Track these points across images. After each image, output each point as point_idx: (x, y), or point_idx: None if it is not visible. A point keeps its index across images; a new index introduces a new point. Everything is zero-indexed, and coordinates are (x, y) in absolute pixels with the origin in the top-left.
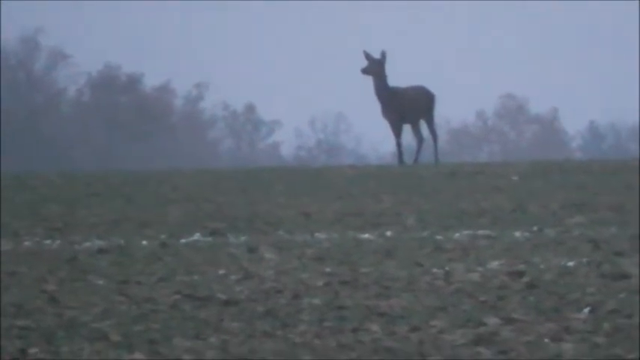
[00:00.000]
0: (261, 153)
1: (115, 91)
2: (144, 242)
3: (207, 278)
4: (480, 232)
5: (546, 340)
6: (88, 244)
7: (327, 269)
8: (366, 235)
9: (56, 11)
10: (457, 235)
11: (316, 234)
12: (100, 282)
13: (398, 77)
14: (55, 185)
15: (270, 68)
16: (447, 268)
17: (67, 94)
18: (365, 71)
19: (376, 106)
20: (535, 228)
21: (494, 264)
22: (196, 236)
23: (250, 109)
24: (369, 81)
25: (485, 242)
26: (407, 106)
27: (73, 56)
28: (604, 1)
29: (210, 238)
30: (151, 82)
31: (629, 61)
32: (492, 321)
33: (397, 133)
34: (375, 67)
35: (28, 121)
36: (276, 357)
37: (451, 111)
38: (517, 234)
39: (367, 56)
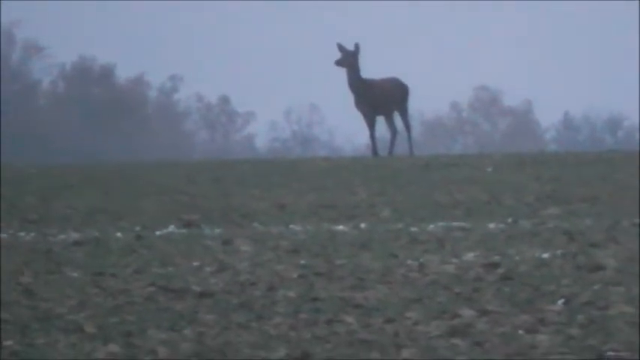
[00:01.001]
0: (235, 145)
1: (89, 83)
2: (119, 234)
3: (182, 270)
4: (455, 223)
5: (521, 331)
6: (63, 236)
7: (302, 261)
8: (341, 227)
9: (30, 3)
10: (432, 226)
11: (291, 226)
12: (75, 274)
13: (371, 69)
14: (30, 177)
15: (244, 60)
16: (421, 260)
17: (42, 86)
18: (339, 63)
19: (350, 98)
20: (510, 220)
21: (469, 256)
22: (171, 228)
23: (225, 100)
24: (342, 73)
25: (459, 234)
26: (380, 98)
27: (47, 48)
28: None
29: (184, 230)
30: (125, 73)
31: (604, 53)
32: (467, 313)
33: (371, 124)
34: (349, 59)
35: (5, 113)
36: (251, 349)
37: (425, 103)
38: (492, 226)
39: (341, 48)
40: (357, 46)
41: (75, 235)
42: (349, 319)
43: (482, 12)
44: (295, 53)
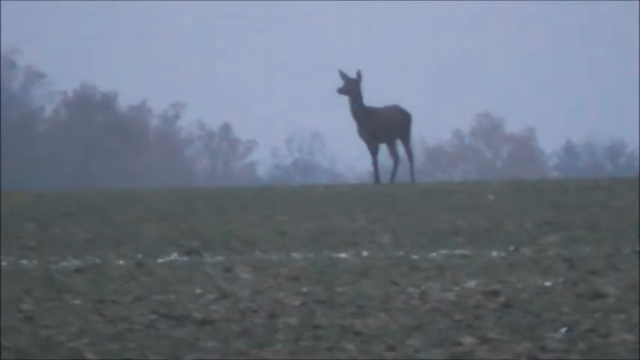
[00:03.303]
0: (237, 172)
1: (91, 110)
2: (120, 262)
3: (183, 298)
4: (456, 251)
5: (522, 359)
6: (64, 263)
7: (303, 289)
8: (342, 255)
9: (31, 30)
10: (433, 254)
11: (292, 253)
12: (76, 301)
13: (373, 96)
14: (30, 204)
15: (246, 88)
16: (422, 288)
17: (43, 114)
18: (341, 91)
19: (351, 125)
20: (511, 247)
21: (470, 283)
22: (173, 256)
23: (226, 128)
24: (344, 100)
25: (460, 261)
26: (383, 126)
27: (48, 75)
28: (577, 19)
29: (186, 258)
30: (127, 101)
31: (607, 81)
32: (468, 340)
33: (373, 152)
34: (351, 87)
35: (6, 140)
36: None
37: (427, 130)
38: (493, 253)
39: (343, 76)
40: (359, 74)
41: (76, 262)
42: (350, 346)
43: (485, 39)
44: (297, 81)
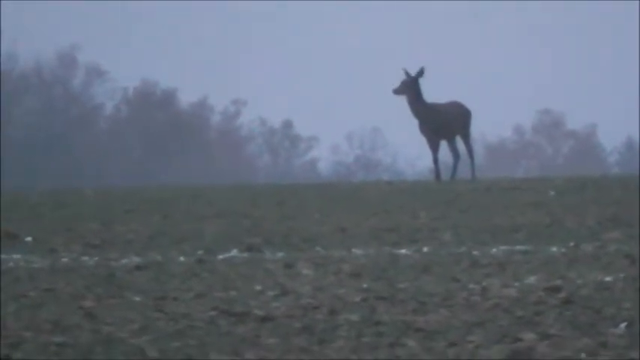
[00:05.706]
0: (298, 169)
1: (152, 107)
2: (181, 258)
3: (244, 294)
4: (517, 247)
5: (583, 355)
6: (125, 260)
7: (364, 285)
8: (403, 251)
9: (93, 28)
10: (494, 250)
11: (353, 250)
12: (137, 298)
13: (435, 93)
14: (91, 202)
15: (307, 84)
16: (483, 284)
17: (104, 110)
18: (397, 92)
19: (411, 122)
20: (571, 243)
21: (531, 279)
22: (233, 252)
23: (288, 125)
24: (404, 97)
25: (521, 257)
26: (443, 123)
27: (109, 72)
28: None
29: (246, 254)
30: (188, 98)
31: None
32: (529, 336)
33: (434, 148)
34: (406, 87)
35: (64, 137)
36: None
37: (488, 126)
38: (553, 249)
39: (407, 74)
40: (413, 73)
41: (137, 259)
42: (411, 342)
43: (546, 36)
44: (358, 77)
